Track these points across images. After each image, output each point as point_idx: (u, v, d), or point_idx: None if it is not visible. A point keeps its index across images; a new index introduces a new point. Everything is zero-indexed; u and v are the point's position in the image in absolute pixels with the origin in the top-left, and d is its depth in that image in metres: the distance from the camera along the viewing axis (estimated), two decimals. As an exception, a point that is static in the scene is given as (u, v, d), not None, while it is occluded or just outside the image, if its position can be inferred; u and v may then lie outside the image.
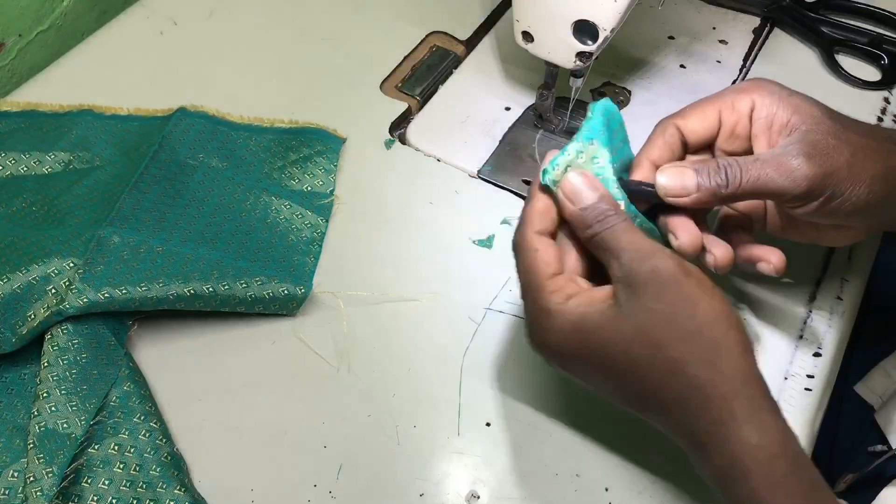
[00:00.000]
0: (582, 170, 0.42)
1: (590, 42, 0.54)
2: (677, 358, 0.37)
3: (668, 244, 0.43)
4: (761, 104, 0.43)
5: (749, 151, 0.44)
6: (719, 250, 0.43)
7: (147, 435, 0.45)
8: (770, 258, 0.44)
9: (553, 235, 0.42)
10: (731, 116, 0.44)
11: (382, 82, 0.66)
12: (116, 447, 0.45)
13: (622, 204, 0.41)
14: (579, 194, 0.40)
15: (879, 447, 0.62)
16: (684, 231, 0.42)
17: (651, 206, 0.44)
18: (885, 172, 0.42)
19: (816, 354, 0.51)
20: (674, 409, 0.38)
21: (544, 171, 0.42)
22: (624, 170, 0.45)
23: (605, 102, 0.43)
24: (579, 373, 0.41)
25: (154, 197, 0.54)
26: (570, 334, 0.39)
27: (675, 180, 0.41)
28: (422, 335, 0.52)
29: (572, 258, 0.42)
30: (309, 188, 0.59)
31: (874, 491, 0.56)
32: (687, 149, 0.45)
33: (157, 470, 0.44)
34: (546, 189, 0.42)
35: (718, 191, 0.41)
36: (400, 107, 0.64)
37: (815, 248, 0.56)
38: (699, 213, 0.44)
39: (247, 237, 0.54)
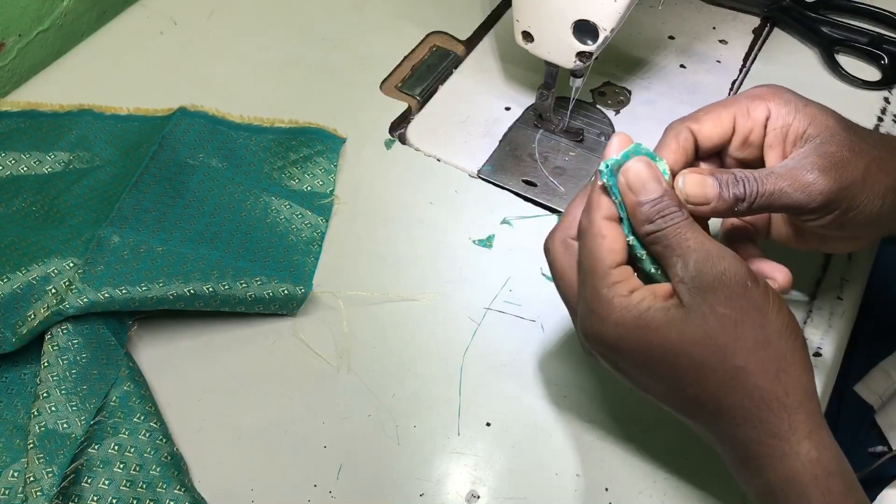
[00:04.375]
0: (646, 158, 0.39)
1: (590, 42, 0.54)
2: (742, 366, 0.36)
3: None
4: (777, 113, 0.42)
5: (760, 160, 0.43)
6: None
7: (147, 435, 0.45)
8: (776, 276, 0.43)
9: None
10: (746, 123, 0.43)
11: (382, 82, 0.66)
12: (116, 447, 0.45)
13: None
14: (644, 185, 0.38)
15: (880, 448, 0.62)
16: None
17: None
18: None
19: (816, 354, 0.51)
20: (731, 417, 0.37)
21: (603, 168, 0.39)
22: None
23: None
24: (631, 369, 0.39)
25: (154, 197, 0.54)
26: (632, 329, 0.37)
27: (698, 189, 0.40)
28: (422, 335, 0.52)
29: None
30: (309, 188, 0.59)
31: (874, 492, 0.56)
32: (699, 154, 0.44)
33: (157, 470, 0.44)
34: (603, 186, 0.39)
35: (736, 203, 0.40)
36: (400, 107, 0.64)
37: (815, 248, 0.56)
38: (702, 222, 0.43)
39: (247, 237, 0.54)
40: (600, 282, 0.38)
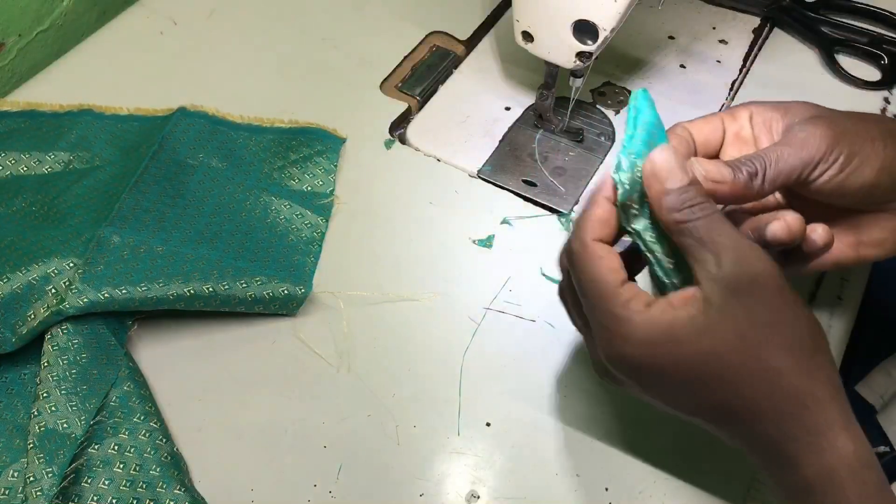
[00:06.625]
0: (671, 147, 0.38)
1: (590, 42, 0.54)
2: (779, 367, 0.35)
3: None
4: (757, 111, 0.44)
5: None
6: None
7: (147, 435, 0.45)
8: (785, 215, 0.41)
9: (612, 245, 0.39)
10: (733, 124, 0.44)
11: (382, 82, 0.66)
12: (116, 447, 0.45)
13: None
14: (671, 172, 0.37)
15: (882, 448, 0.62)
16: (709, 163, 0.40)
17: None
18: (887, 134, 0.42)
19: (816, 354, 0.51)
20: (767, 418, 0.36)
21: (618, 167, 0.38)
22: None
23: (641, 94, 0.40)
24: (655, 385, 0.38)
25: (154, 197, 0.54)
26: (662, 344, 0.36)
27: (713, 168, 0.39)
28: (422, 335, 0.52)
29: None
30: (309, 188, 0.59)
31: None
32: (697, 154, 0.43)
33: (157, 470, 0.44)
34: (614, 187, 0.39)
35: (751, 181, 0.39)
36: (400, 107, 0.64)
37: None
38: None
39: (247, 237, 0.54)
40: (612, 303, 0.37)
